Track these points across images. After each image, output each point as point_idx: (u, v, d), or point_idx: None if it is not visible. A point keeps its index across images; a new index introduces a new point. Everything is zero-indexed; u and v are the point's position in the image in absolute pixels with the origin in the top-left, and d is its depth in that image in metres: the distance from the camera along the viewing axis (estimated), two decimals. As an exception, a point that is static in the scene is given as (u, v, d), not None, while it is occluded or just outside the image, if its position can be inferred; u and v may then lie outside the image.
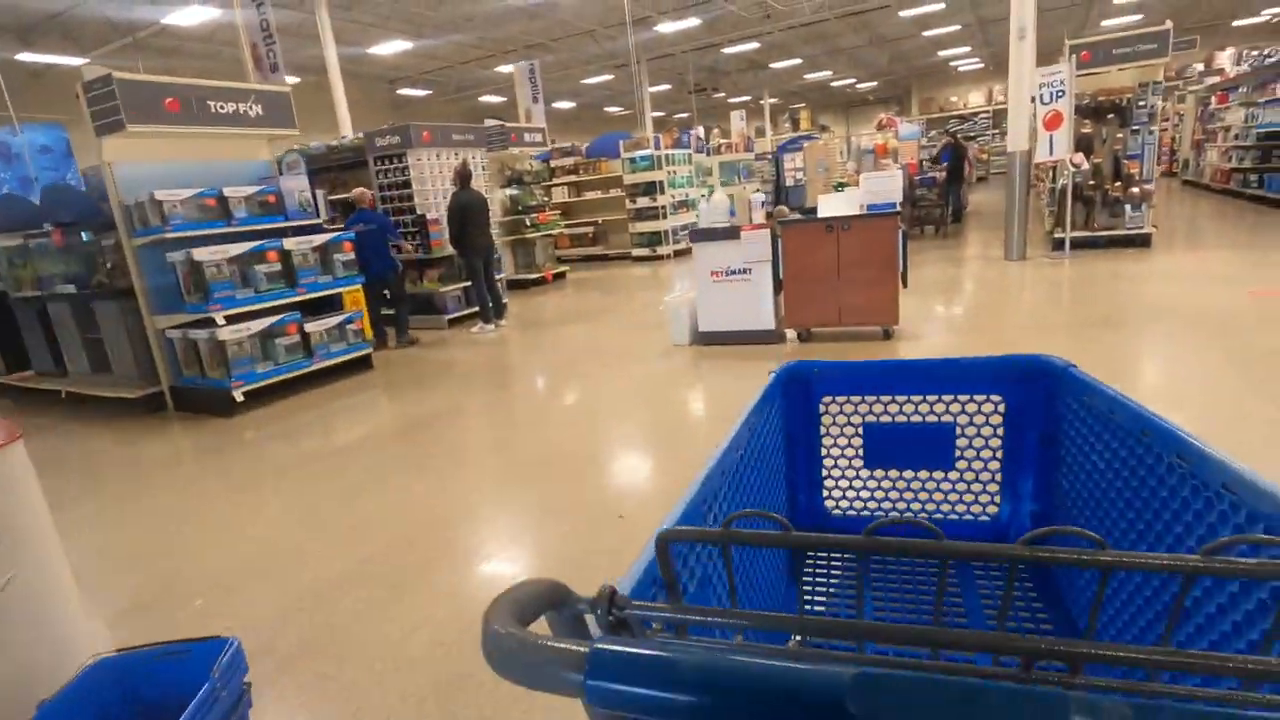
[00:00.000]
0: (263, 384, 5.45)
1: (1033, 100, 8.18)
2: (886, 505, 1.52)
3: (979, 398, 1.42)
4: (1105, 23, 25.17)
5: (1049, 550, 0.51)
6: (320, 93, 22.70)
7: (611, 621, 0.48)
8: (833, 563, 1.45)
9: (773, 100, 31.46)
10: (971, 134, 29.58)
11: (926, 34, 23.72)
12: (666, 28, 18.39)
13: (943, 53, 27.33)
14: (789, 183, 23.58)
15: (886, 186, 5.11)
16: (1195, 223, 10.52)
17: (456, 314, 8.23)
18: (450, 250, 8.07)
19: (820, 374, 1.49)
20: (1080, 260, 8.20)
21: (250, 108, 5.66)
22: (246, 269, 5.39)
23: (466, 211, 7.30)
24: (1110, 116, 8.47)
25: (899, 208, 5.19)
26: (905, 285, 5.33)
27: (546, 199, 11.32)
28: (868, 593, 1.34)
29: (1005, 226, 8.67)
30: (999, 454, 1.45)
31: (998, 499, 1.47)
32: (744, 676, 0.30)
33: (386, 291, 7.39)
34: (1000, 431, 1.44)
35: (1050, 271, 7.90)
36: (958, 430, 1.44)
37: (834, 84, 31.77)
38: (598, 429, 4.37)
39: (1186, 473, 0.93)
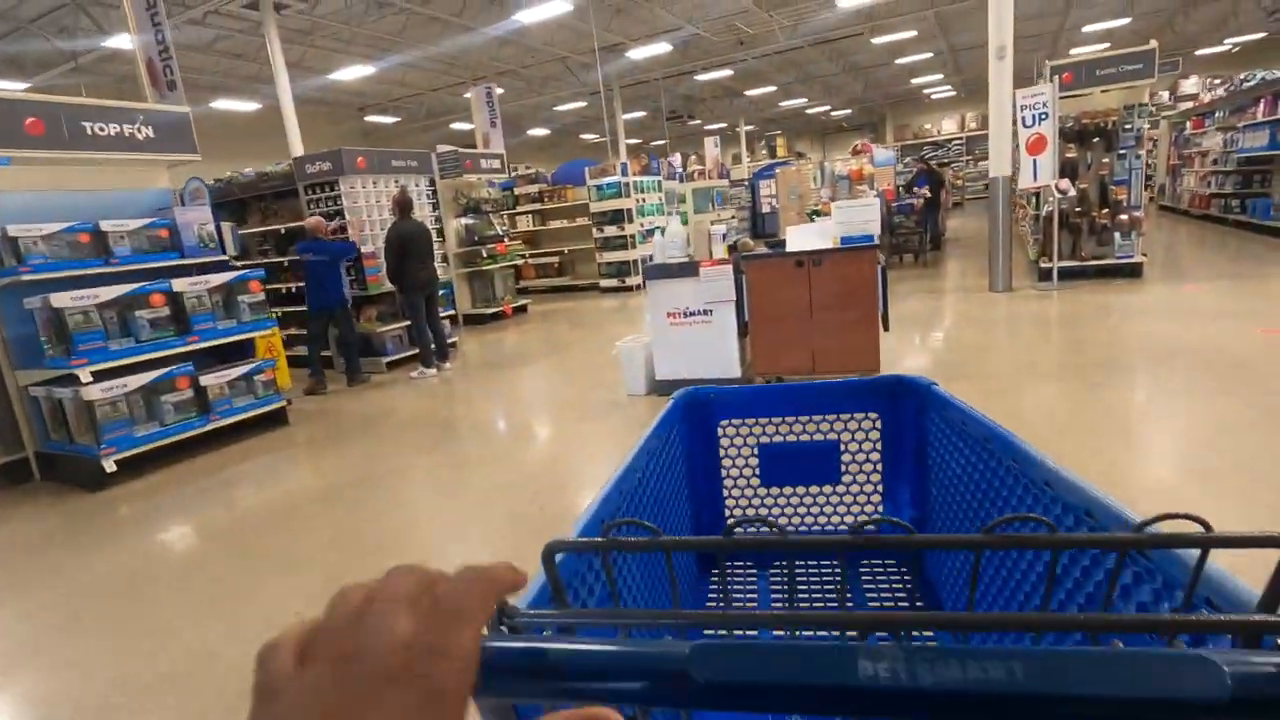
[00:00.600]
0: (144, 449, 4.62)
1: (1014, 123, 7.64)
2: (784, 520, 1.57)
3: (859, 415, 1.51)
4: (1074, 50, 25.18)
5: (866, 538, 0.53)
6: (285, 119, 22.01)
7: (503, 630, 0.47)
8: (734, 574, 1.50)
9: (749, 127, 31.22)
10: (946, 160, 29.43)
11: (899, 61, 23.56)
12: (638, 54, 17.94)
13: (916, 80, 27.23)
14: (765, 209, 23.19)
15: (862, 216, 4.45)
16: (1182, 250, 10.02)
17: (396, 356, 7.44)
18: (390, 286, 7.31)
19: (718, 399, 1.54)
20: (1070, 292, 7.61)
21: (139, 130, 4.90)
22: (126, 315, 4.59)
23: (406, 244, 6.56)
24: (1095, 140, 7.94)
25: (877, 239, 4.53)
26: (886, 328, 4.66)
27: (507, 228, 10.62)
28: (765, 597, 1.47)
29: (989, 256, 8.08)
30: (879, 466, 1.55)
31: (880, 507, 1.57)
32: (602, 655, 0.35)
33: (335, 327, 6.63)
34: (878, 445, 1.53)
35: (1040, 305, 7.29)
36: (842, 446, 1.53)
37: (809, 111, 31.63)
38: (524, 514, 3.60)
39: (1019, 473, 1.05)
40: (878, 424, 1.52)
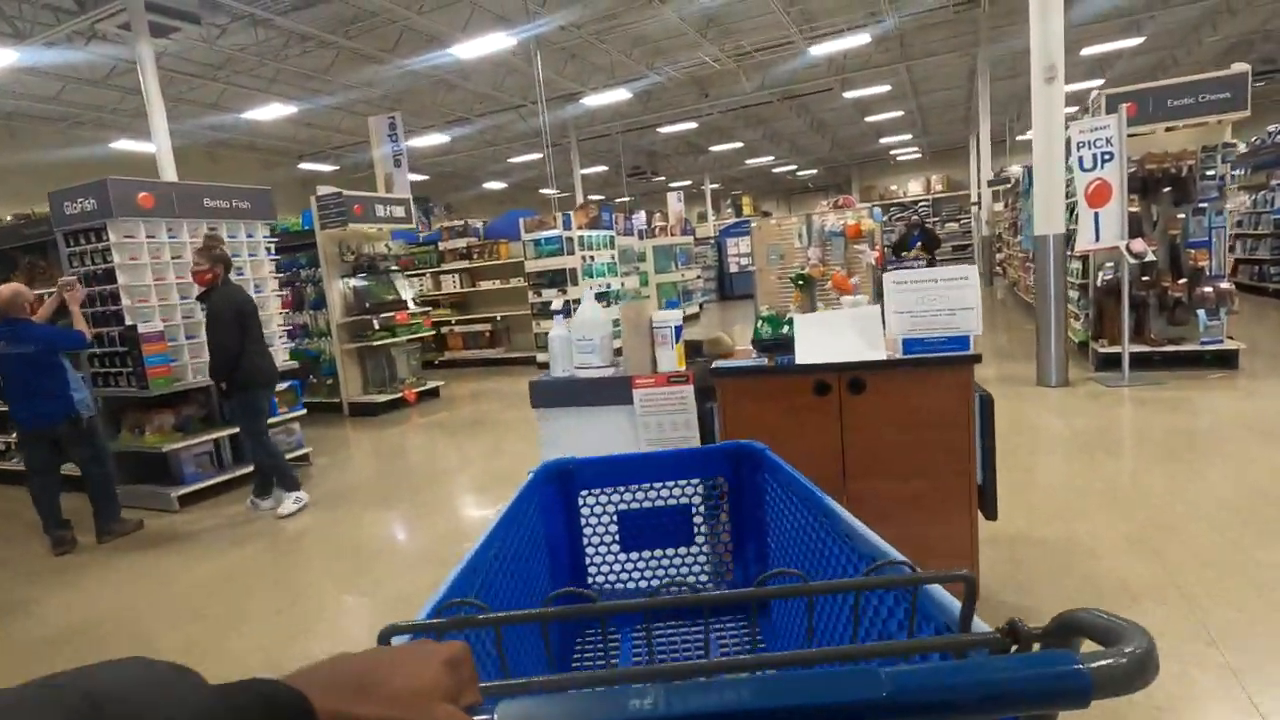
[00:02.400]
0: None
1: (1069, 168, 5.64)
2: (644, 583, 1.57)
3: (709, 480, 1.55)
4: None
5: (673, 598, 0.68)
6: (211, 163, 19.61)
7: None
8: (605, 635, 1.37)
9: (714, 186, 29.73)
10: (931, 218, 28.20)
11: (869, 119, 22.23)
12: (595, 100, 16.07)
13: (884, 140, 26.04)
14: (733, 269, 21.24)
15: (944, 300, 2.20)
16: (1261, 330, 7.96)
17: (200, 483, 4.91)
18: (193, 381, 4.85)
19: (578, 470, 1.53)
20: (1152, 390, 5.47)
21: None
22: None
23: (249, 318, 4.22)
24: (1165, 191, 5.97)
25: (973, 343, 2.26)
26: (991, 513, 2.36)
27: (417, 291, 8.24)
28: (627, 656, 1.50)
29: (1037, 338, 5.95)
30: (727, 527, 1.59)
31: (732, 565, 1.60)
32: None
33: (68, 451, 4.15)
34: (726, 507, 1.58)
35: (1116, 410, 5.11)
36: (694, 510, 1.56)
37: (775, 170, 30.33)
38: None
39: (829, 528, 1.14)
40: (725, 486, 1.55)
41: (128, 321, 4.51)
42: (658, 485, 1.53)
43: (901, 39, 15.36)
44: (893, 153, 29.05)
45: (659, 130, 20.37)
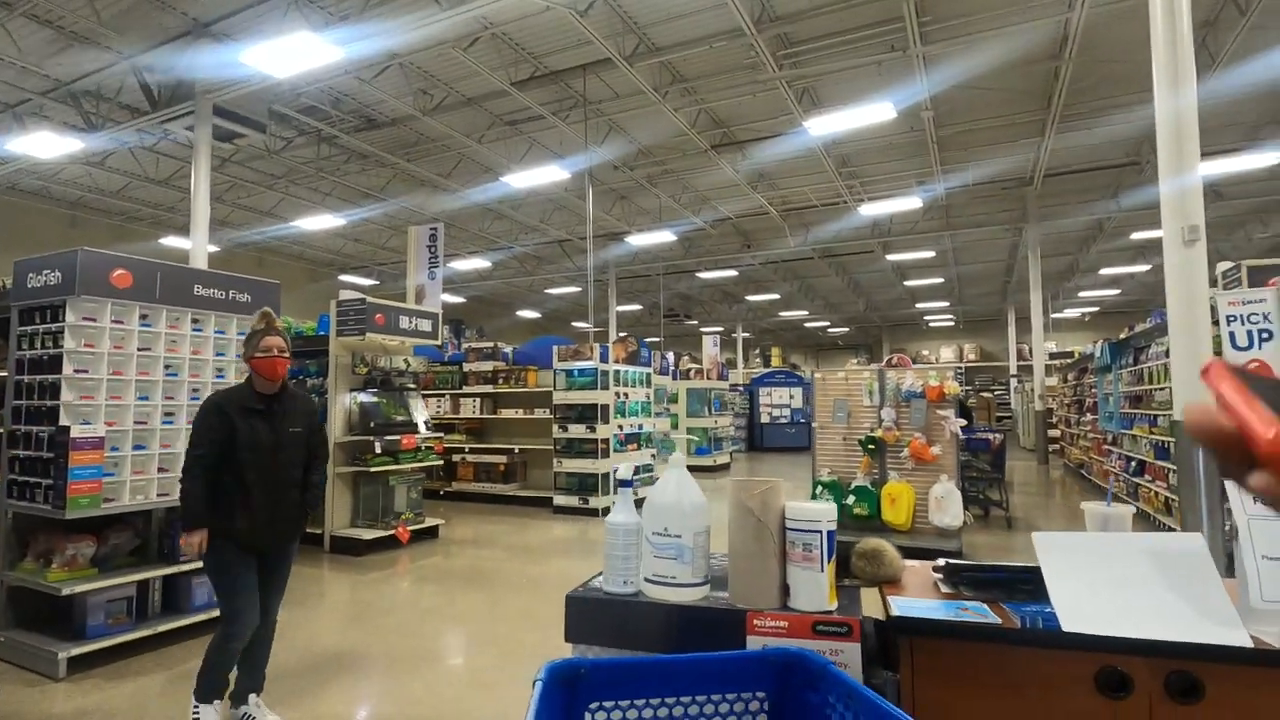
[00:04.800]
0: None
1: (1219, 346, 4.70)
2: None
3: (746, 695, 1.23)
4: (1084, 293, 24.05)
5: None
6: (258, 267, 19.71)
7: None
8: None
9: (745, 334, 29.51)
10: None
11: (907, 283, 22.07)
12: (639, 240, 15.97)
13: (920, 304, 25.86)
14: (764, 419, 20.27)
15: None
16: None
17: (105, 640, 3.70)
18: (130, 504, 3.78)
19: (589, 675, 1.18)
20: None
21: None
22: None
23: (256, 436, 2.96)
24: (1329, 380, 4.98)
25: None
26: None
27: (428, 415, 7.30)
28: None
29: (1181, 548, 4.73)
30: None
31: None
32: None
33: None
34: None
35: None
36: None
37: (807, 324, 30.17)
38: None
39: None
40: (765, 705, 1.24)
41: (62, 421, 3.55)
42: (684, 699, 1.20)
43: (948, 208, 15.27)
44: (926, 318, 28.84)
45: (698, 275, 20.29)
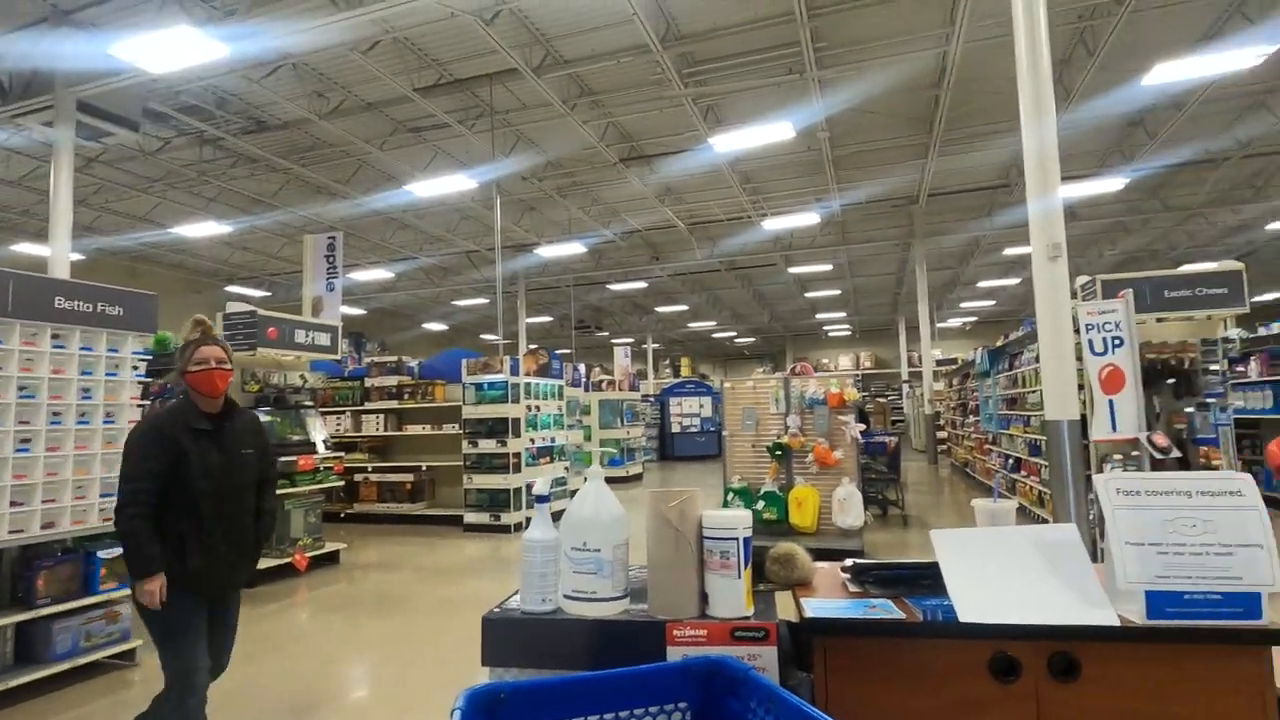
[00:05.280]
0: None
1: (1080, 352, 5.18)
2: None
3: (669, 706, 1.23)
4: (965, 304, 25.88)
5: None
6: (130, 277, 18.05)
7: None
8: None
9: (655, 345, 29.87)
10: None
11: (808, 295, 23.08)
12: (548, 252, 15.87)
13: (819, 315, 27.08)
14: (675, 429, 20.53)
15: (1213, 524, 1.30)
16: None
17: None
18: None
19: (510, 698, 1.14)
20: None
21: None
22: None
23: (212, 465, 2.50)
24: (1170, 383, 5.60)
25: (1266, 604, 1.35)
26: None
27: (326, 435, 6.92)
28: None
29: (1053, 537, 5.16)
30: None
31: None
32: None
33: None
34: None
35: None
36: None
37: (715, 335, 30.91)
38: None
39: None
40: (688, 714, 1.24)
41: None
42: (608, 718, 1.19)
43: (844, 224, 16.11)
44: (825, 328, 30.23)
45: (608, 287, 20.39)
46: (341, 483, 7.25)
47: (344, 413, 9.36)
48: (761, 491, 6.46)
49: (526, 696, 1.17)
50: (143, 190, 13.02)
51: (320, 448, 6.52)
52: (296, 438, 6.35)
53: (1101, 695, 1.34)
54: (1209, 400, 5.46)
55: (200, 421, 2.50)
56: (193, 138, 10.89)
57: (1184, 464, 5.48)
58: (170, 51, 6.60)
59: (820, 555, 1.96)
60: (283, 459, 6.08)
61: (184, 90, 9.26)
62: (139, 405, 4.09)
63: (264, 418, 6.10)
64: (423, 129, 10.67)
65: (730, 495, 6.60)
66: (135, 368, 4.05)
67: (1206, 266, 5.65)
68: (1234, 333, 8.55)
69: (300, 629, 4.81)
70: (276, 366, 6.44)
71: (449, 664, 4.05)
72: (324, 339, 6.70)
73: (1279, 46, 7.88)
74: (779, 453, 6.48)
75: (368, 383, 9.38)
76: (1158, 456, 4.87)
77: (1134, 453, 5.04)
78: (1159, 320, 5.76)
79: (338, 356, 7.05)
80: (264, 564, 5.89)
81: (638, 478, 13.94)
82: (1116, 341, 5.03)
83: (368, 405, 9.27)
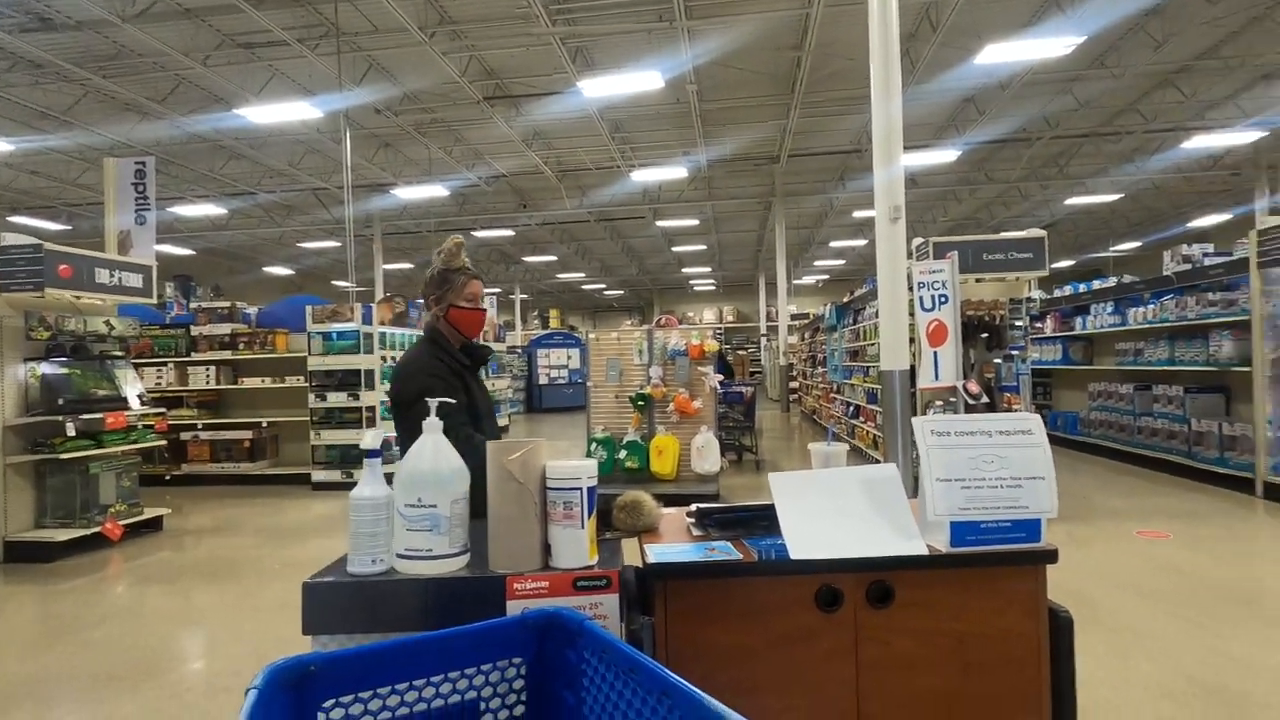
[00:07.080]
0: None
1: (913, 308, 5.65)
2: None
3: (501, 663, 1.18)
4: (818, 262, 27.48)
5: None
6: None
7: None
8: None
9: (523, 296, 29.26)
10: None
11: (675, 249, 23.47)
12: (407, 194, 14.87)
13: (685, 269, 27.69)
14: (543, 381, 20.37)
15: (1006, 459, 1.45)
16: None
17: None
18: None
19: (320, 672, 1.03)
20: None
21: None
22: None
23: None
24: (984, 336, 6.28)
25: (1045, 529, 1.50)
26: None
27: (143, 391, 6.14)
28: None
29: (883, 476, 5.69)
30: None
31: None
32: None
33: None
34: (524, 696, 1.20)
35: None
36: (483, 705, 1.16)
37: (584, 287, 30.78)
38: None
39: (660, 696, 0.93)
40: (521, 670, 1.19)
41: None
42: (435, 679, 1.11)
43: (710, 180, 16.42)
44: (692, 282, 31.02)
45: (473, 233, 19.55)
46: (163, 442, 6.51)
47: (166, 365, 8.35)
48: (624, 441, 6.57)
49: (343, 666, 1.05)
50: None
51: (134, 403, 5.77)
52: (102, 392, 5.57)
53: (909, 617, 1.46)
54: (1013, 352, 6.19)
55: (464, 357, 2.36)
56: (-49, 31, 8.93)
57: (991, 408, 6.19)
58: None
59: (679, 501, 1.99)
60: (84, 416, 5.31)
61: (-68, -31, 7.54)
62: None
63: (60, 370, 5.29)
64: (255, 45, 9.45)
65: (594, 445, 6.66)
66: None
67: (1017, 235, 6.32)
68: (1035, 294, 9.74)
69: (113, 604, 4.30)
70: (73, 310, 5.56)
71: (293, 629, 3.81)
72: (135, 280, 5.85)
73: (1085, 38, 8.84)
74: (641, 403, 6.60)
75: (194, 331, 8.40)
76: (970, 402, 5.47)
77: (951, 399, 5.62)
78: (977, 280, 6.40)
79: (154, 300, 6.21)
80: (66, 536, 5.20)
81: (504, 429, 13.75)
82: (943, 299, 5.53)
83: (195, 356, 8.33)
